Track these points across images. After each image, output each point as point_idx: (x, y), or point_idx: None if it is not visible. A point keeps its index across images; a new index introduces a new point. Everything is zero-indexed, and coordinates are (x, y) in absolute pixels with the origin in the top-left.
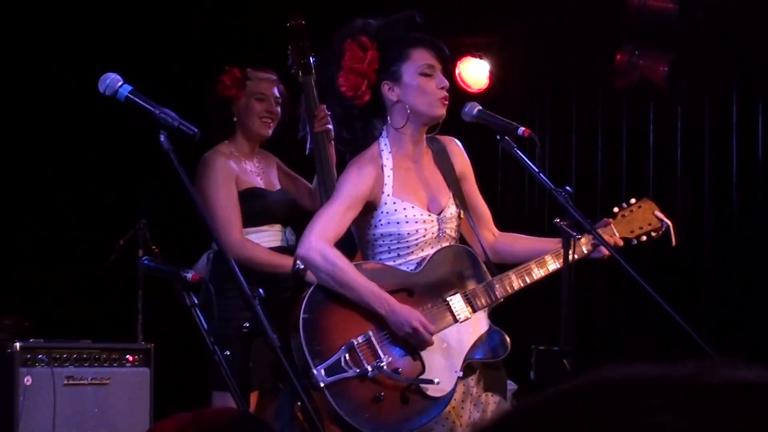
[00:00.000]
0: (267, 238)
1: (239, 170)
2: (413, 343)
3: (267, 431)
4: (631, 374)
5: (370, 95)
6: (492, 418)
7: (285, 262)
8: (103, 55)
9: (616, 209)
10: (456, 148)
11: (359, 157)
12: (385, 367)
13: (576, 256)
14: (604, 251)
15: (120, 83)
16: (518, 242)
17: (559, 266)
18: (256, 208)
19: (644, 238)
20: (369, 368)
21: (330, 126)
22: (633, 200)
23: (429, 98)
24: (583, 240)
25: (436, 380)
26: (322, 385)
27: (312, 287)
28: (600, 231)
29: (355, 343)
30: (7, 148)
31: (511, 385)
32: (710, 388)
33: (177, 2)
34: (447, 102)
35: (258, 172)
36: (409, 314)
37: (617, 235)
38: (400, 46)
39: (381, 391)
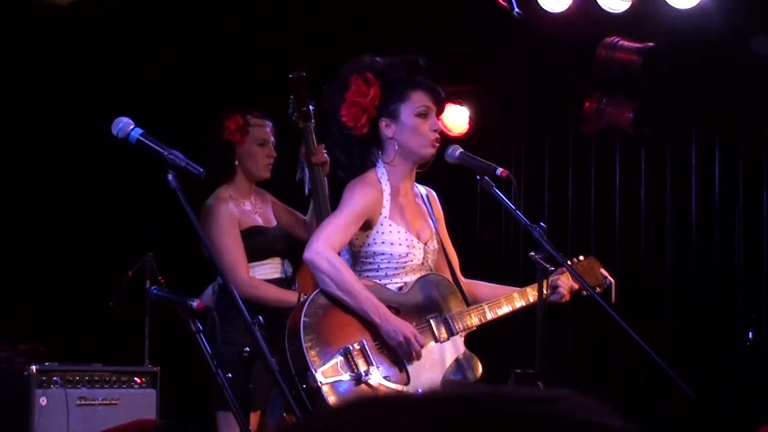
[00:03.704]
0: (267, 270)
1: (239, 212)
2: (402, 353)
3: None
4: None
5: (368, 128)
6: None
7: (290, 297)
8: (109, 99)
9: (568, 261)
10: (434, 198)
11: (360, 179)
12: (376, 374)
13: (531, 301)
14: (563, 291)
15: (132, 126)
16: (481, 288)
17: (524, 304)
18: (258, 245)
19: (586, 292)
20: (362, 373)
21: (327, 161)
22: (581, 257)
23: (421, 139)
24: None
25: (421, 391)
26: (317, 385)
27: (313, 293)
28: (556, 277)
29: (351, 348)
30: (27, 186)
31: None
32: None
33: (184, 50)
34: (438, 144)
35: (256, 211)
36: (403, 325)
37: (570, 281)
38: (401, 87)
39: (372, 396)
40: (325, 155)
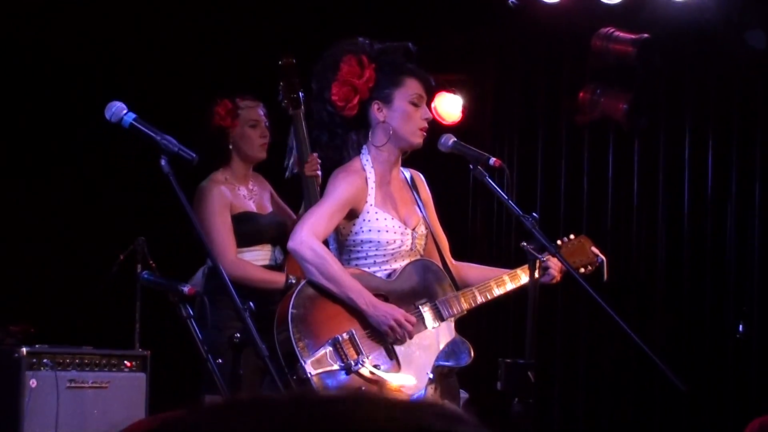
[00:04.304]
0: (258, 257)
1: (233, 196)
2: (393, 338)
3: None
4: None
5: (357, 110)
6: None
7: (277, 278)
8: (102, 82)
9: (558, 242)
10: (421, 181)
11: (344, 167)
12: (367, 363)
13: (521, 283)
14: (554, 273)
15: (125, 111)
16: (471, 271)
17: (514, 286)
18: (248, 230)
19: (582, 270)
20: (352, 362)
21: (319, 172)
22: (572, 236)
23: (412, 126)
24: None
25: (411, 378)
26: (307, 376)
27: (300, 284)
28: (547, 257)
29: (340, 338)
30: (19, 167)
31: (463, 394)
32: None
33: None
34: (426, 133)
35: (251, 196)
36: (391, 309)
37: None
38: (396, 72)
39: (362, 385)
40: (318, 167)
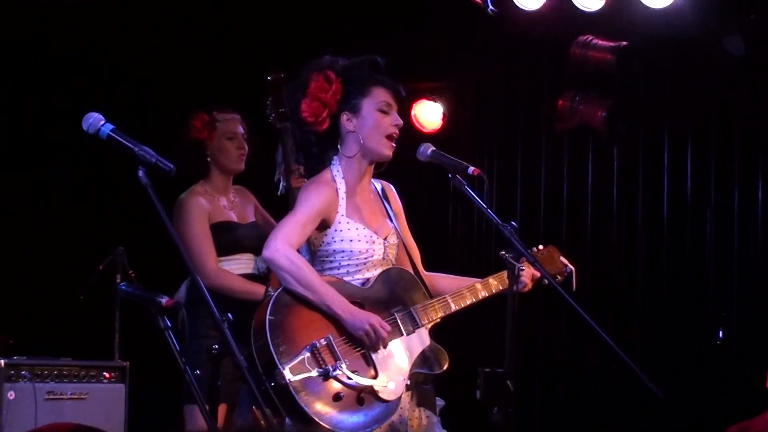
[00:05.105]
0: (240, 265)
1: (212, 207)
2: (369, 344)
3: None
4: None
5: (328, 124)
6: None
7: (257, 289)
8: (84, 94)
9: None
10: (392, 192)
11: (315, 178)
12: (344, 368)
13: (501, 288)
14: (525, 280)
15: (102, 122)
16: (443, 280)
17: (487, 294)
18: (227, 239)
19: (548, 282)
20: (330, 368)
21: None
22: (541, 246)
23: (381, 133)
24: (502, 276)
25: (389, 383)
26: (285, 382)
27: (278, 291)
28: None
29: (318, 344)
30: None
31: (440, 402)
32: None
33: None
34: (395, 144)
35: (231, 207)
36: (367, 315)
37: (532, 269)
38: (363, 83)
39: (340, 391)
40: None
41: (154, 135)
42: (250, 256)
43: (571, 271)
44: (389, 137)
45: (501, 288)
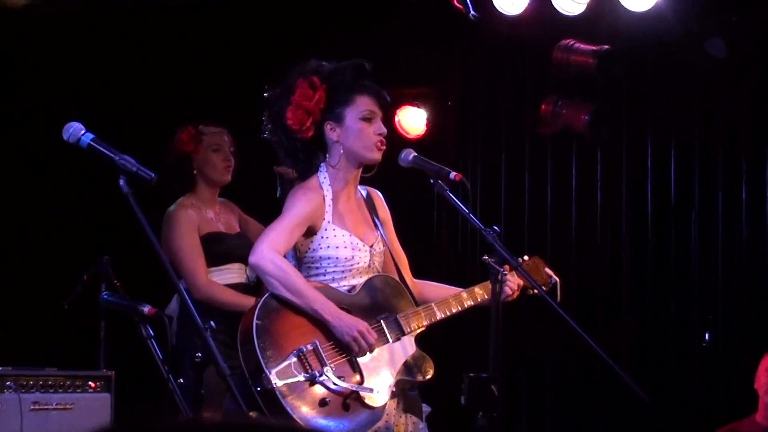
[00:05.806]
0: (231, 275)
1: (200, 219)
2: (355, 349)
3: None
4: None
5: (313, 131)
6: None
7: (248, 302)
8: (70, 107)
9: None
10: (379, 199)
11: (302, 185)
12: (330, 374)
13: (487, 297)
14: (511, 289)
15: (82, 131)
16: (430, 288)
17: (472, 303)
18: (217, 250)
19: (534, 291)
20: (316, 373)
21: None
22: (526, 257)
23: (365, 142)
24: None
25: (375, 389)
26: (272, 386)
27: (265, 296)
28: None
29: (304, 349)
30: None
31: (426, 408)
32: None
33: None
34: (383, 147)
35: (218, 219)
36: (355, 320)
37: (517, 278)
38: (346, 91)
39: (326, 397)
40: None
41: (141, 148)
42: (241, 266)
43: (556, 282)
44: (375, 144)
45: (486, 297)
